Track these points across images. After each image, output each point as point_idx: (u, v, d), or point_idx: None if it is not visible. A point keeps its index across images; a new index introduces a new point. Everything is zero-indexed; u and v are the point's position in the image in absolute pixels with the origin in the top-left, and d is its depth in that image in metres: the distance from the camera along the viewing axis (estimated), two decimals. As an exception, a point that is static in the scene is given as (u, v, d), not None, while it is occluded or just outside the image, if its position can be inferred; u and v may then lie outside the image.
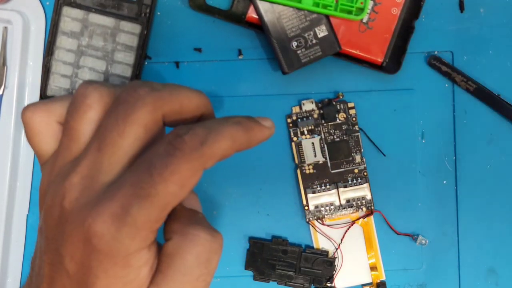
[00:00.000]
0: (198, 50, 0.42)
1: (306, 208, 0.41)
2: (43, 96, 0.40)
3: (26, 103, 0.41)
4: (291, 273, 0.41)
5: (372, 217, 0.42)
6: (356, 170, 0.41)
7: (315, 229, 0.42)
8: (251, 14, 0.40)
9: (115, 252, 0.25)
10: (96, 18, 0.40)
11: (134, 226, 0.25)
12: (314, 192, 0.41)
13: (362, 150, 0.41)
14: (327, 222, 0.42)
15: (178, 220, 0.27)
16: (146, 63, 0.41)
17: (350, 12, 0.39)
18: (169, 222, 0.27)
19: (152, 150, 0.26)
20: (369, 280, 0.42)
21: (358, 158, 0.41)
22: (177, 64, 0.42)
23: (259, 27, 0.40)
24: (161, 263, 0.27)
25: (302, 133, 0.41)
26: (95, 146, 0.27)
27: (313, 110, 0.41)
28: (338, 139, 0.41)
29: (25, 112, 0.30)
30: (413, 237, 0.42)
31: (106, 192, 0.26)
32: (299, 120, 0.41)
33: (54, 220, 0.27)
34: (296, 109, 0.42)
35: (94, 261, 0.25)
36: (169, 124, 0.29)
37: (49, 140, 0.30)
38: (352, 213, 0.42)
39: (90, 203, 0.26)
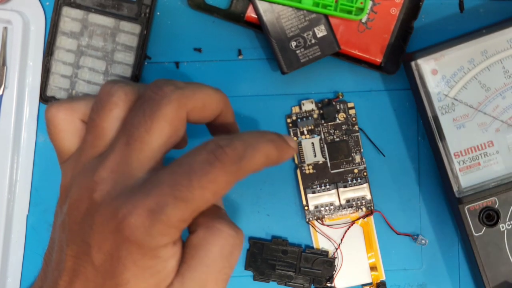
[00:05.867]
0: (198, 50, 0.42)
1: (306, 208, 0.41)
2: (43, 96, 0.40)
3: (26, 103, 0.41)
4: (291, 273, 0.41)
5: (372, 217, 0.42)
6: (356, 170, 0.41)
7: (315, 229, 0.42)
8: (250, 13, 0.40)
9: (146, 244, 0.26)
10: (96, 18, 0.40)
11: (167, 223, 0.26)
12: (314, 192, 0.41)
13: (361, 150, 0.41)
14: (327, 222, 0.42)
15: (203, 214, 0.28)
16: (146, 63, 0.42)
17: (350, 12, 0.39)
18: None
19: (192, 155, 0.27)
20: (369, 280, 0.42)
21: (358, 158, 0.41)
22: (177, 64, 0.42)
23: (258, 26, 0.40)
24: (185, 254, 0.28)
25: (302, 133, 0.41)
26: (123, 141, 0.28)
27: (312, 110, 0.41)
28: (338, 139, 0.41)
29: (49, 109, 0.31)
30: (413, 237, 0.42)
31: (141, 187, 0.27)
32: (298, 120, 0.41)
33: (81, 212, 0.28)
34: (295, 109, 0.42)
35: (124, 251, 0.26)
36: (192, 121, 0.31)
37: (71, 137, 0.31)
38: (352, 213, 0.42)
39: (122, 196, 0.27)
